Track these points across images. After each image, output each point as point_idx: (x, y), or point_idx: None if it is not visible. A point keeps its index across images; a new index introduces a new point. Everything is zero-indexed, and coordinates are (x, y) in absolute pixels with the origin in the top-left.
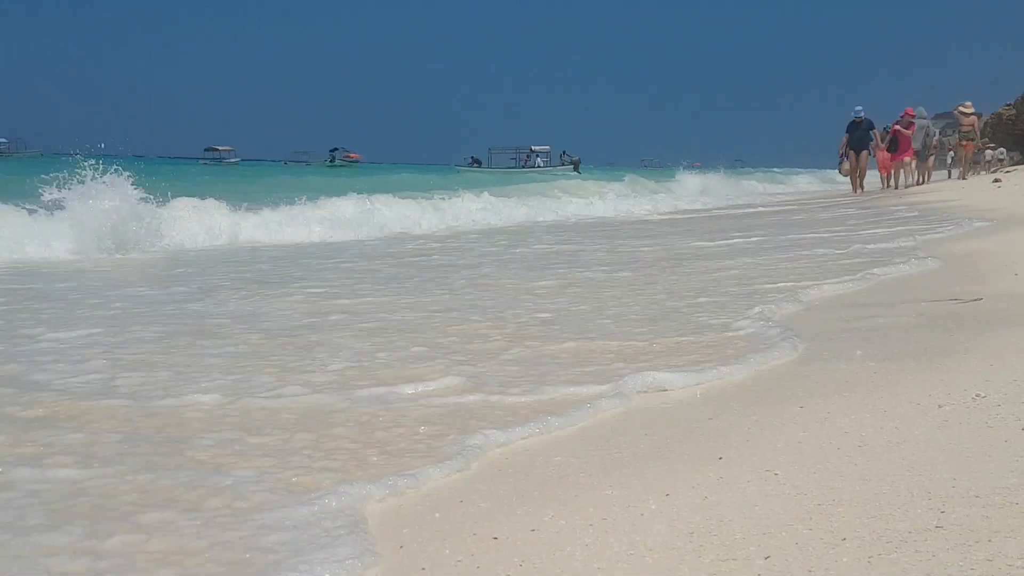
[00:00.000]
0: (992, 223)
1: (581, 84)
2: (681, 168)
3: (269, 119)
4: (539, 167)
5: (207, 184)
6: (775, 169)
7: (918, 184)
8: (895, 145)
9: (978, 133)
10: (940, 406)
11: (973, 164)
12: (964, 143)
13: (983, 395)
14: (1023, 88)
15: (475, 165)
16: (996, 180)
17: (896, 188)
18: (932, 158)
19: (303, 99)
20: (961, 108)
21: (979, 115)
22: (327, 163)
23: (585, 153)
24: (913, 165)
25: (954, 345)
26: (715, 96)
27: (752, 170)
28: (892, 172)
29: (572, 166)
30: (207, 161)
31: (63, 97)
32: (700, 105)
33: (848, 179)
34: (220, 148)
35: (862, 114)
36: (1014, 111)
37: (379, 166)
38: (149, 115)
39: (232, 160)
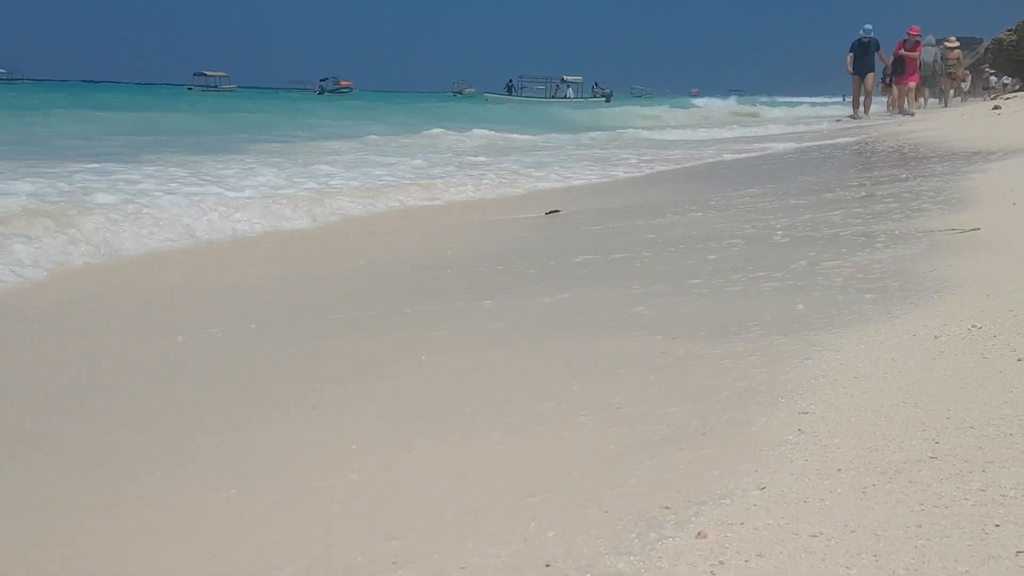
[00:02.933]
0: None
1: (567, 6)
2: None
3: (261, 43)
4: (569, 98)
5: (206, 113)
6: (779, 99)
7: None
8: (900, 68)
9: (961, 65)
10: (936, 336)
11: (983, 90)
12: (951, 75)
13: (979, 326)
14: (1021, 15)
15: (508, 93)
16: (996, 107)
17: (901, 113)
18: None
19: (296, 22)
20: (946, 43)
21: (963, 50)
22: (316, 93)
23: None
24: (915, 90)
25: (952, 275)
26: (707, 16)
27: (753, 99)
28: (897, 97)
29: (604, 98)
30: (198, 88)
31: (33, 17)
32: (692, 26)
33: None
34: (210, 73)
35: (871, 34)
36: (1015, 37)
37: (372, 94)
38: (131, 38)
39: (227, 87)
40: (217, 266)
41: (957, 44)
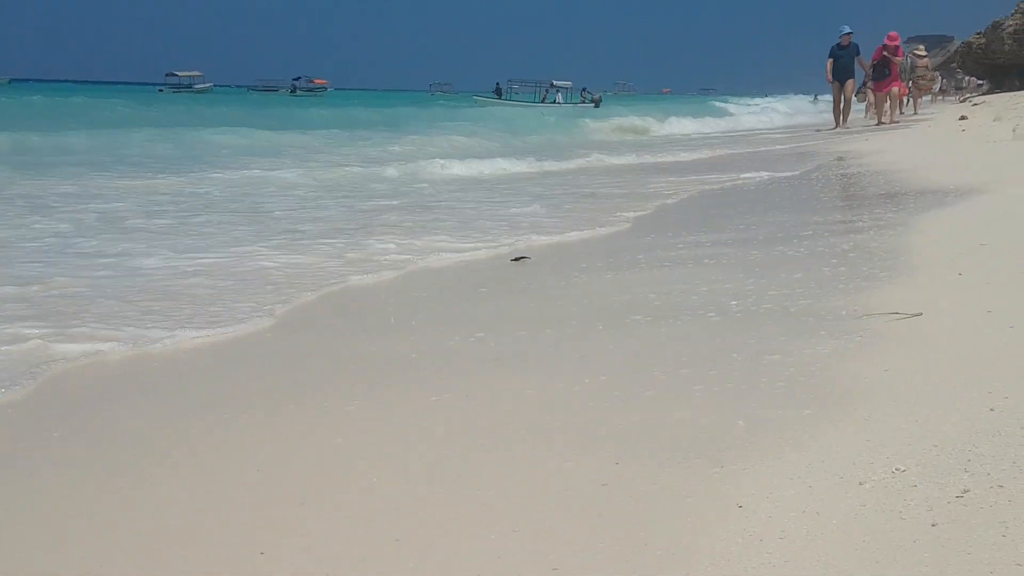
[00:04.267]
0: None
1: (542, 7)
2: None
3: (235, 42)
4: (558, 103)
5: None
6: (748, 99)
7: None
8: (883, 73)
9: (929, 72)
10: (861, 483)
11: (956, 90)
12: (919, 83)
13: (903, 468)
14: (992, 16)
15: (498, 96)
16: (962, 117)
17: (882, 123)
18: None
19: (270, 19)
20: (915, 52)
21: (935, 48)
22: (288, 92)
23: (556, 78)
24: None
25: (887, 385)
26: (681, 13)
27: (727, 99)
28: (878, 103)
29: (593, 104)
30: (169, 88)
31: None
32: (664, 24)
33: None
34: (183, 73)
35: (848, 32)
36: (984, 40)
37: (347, 93)
38: (102, 36)
39: (202, 86)
40: None
41: (925, 53)
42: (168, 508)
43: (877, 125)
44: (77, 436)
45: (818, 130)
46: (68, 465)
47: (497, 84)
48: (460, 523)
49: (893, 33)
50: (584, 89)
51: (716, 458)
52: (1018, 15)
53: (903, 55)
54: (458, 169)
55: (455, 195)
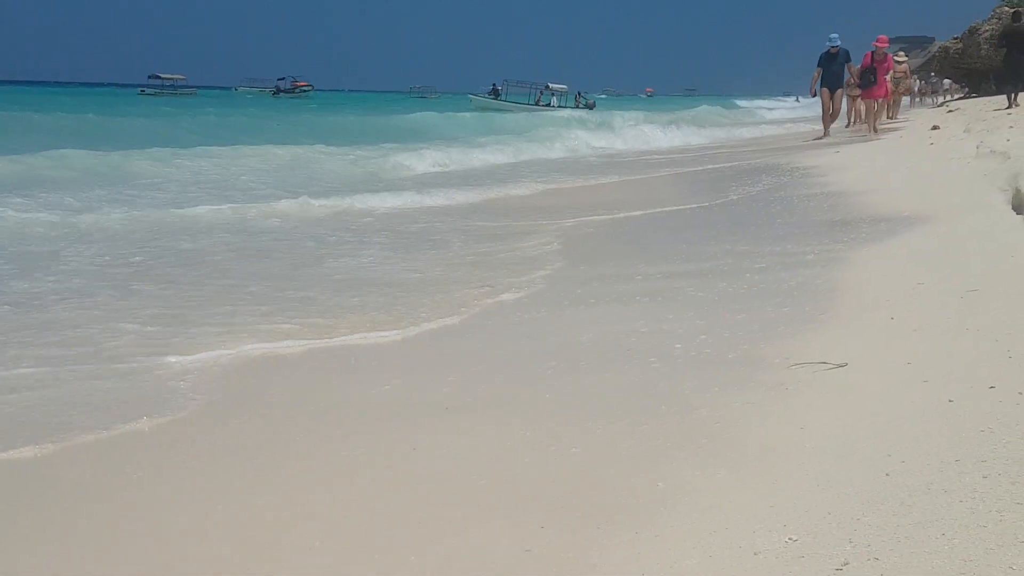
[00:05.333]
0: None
1: (533, 7)
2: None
3: (218, 43)
4: (553, 107)
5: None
6: (734, 99)
7: (890, 118)
8: (869, 80)
9: (908, 78)
10: (756, 553)
11: (932, 93)
12: (898, 88)
13: (795, 539)
14: (974, 18)
15: (494, 97)
16: (935, 127)
17: (868, 132)
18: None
19: (253, 20)
20: (896, 58)
21: (915, 49)
22: (272, 94)
23: (541, 80)
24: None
25: (797, 448)
26: (663, 14)
27: (714, 100)
28: (865, 110)
29: (587, 107)
30: (151, 91)
31: None
32: (647, 24)
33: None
34: (166, 76)
35: (838, 43)
36: (961, 45)
37: (332, 95)
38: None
39: (186, 90)
40: None
41: (905, 59)
42: None
43: (859, 133)
44: None
45: (805, 140)
46: None
47: (493, 85)
48: None
49: (882, 36)
50: (579, 93)
51: (632, 523)
52: (994, 20)
53: (892, 65)
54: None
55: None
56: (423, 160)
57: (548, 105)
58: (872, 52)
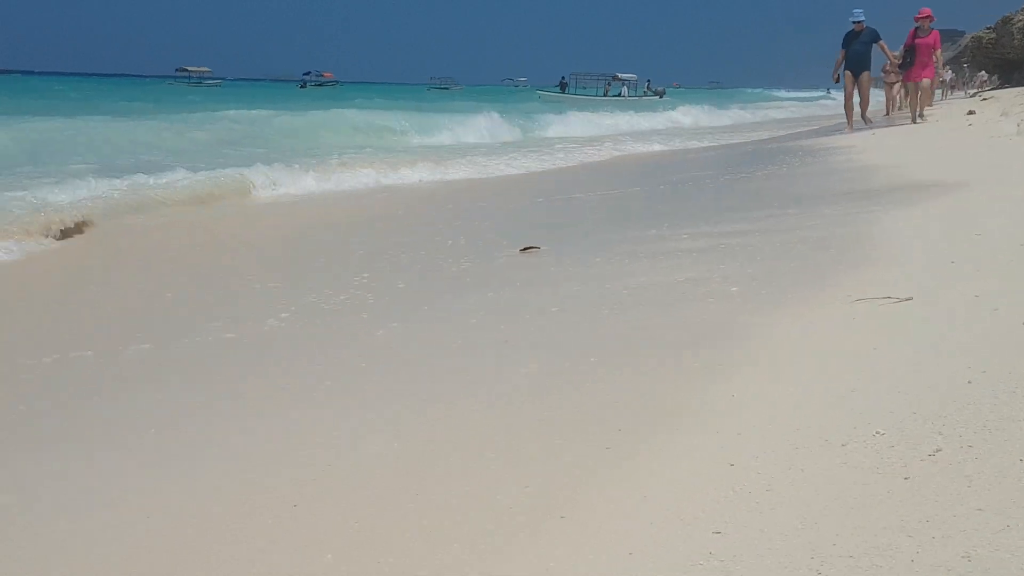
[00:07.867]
0: None
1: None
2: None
3: (245, 36)
4: (624, 96)
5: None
6: (762, 90)
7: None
8: (911, 59)
9: (943, 69)
10: (843, 444)
11: (963, 85)
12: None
13: (882, 432)
14: (1002, 11)
15: (562, 90)
16: (971, 111)
17: (913, 120)
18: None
19: (279, 14)
20: None
21: (944, 43)
22: (299, 87)
23: (555, 74)
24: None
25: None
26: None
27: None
28: (909, 97)
29: (657, 95)
30: (179, 83)
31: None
32: (673, 18)
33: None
34: (193, 69)
35: (862, 18)
36: (994, 35)
37: (355, 87)
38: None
39: (212, 82)
40: None
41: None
42: None
43: (888, 116)
44: None
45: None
46: None
47: (562, 78)
48: None
49: (925, 9)
50: (649, 82)
51: (714, 426)
52: None
53: (939, 44)
54: None
55: None
56: None
57: (618, 95)
58: (916, 28)
